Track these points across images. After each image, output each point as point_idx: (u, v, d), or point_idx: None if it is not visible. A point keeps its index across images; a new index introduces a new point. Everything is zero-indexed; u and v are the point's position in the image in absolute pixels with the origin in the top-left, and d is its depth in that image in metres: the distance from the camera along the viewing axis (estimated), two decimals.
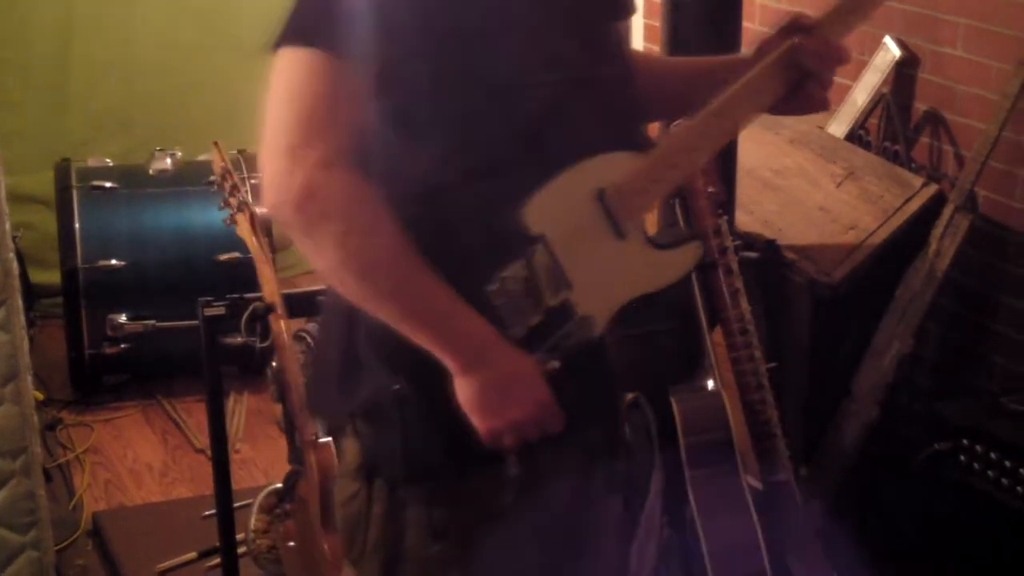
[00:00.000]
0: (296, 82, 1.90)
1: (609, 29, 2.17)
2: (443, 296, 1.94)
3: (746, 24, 4.68)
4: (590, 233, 2.03)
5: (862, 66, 4.18)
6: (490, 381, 1.97)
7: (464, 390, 1.97)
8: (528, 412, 1.99)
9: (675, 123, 2.21)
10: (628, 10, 2.24)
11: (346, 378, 2.09)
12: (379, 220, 1.90)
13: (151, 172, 5.21)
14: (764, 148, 4.16)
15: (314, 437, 3.23)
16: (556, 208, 2.01)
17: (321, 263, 1.94)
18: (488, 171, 1.99)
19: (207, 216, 4.86)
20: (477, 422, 1.98)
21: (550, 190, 2.00)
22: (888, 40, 4.13)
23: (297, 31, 1.91)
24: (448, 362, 1.96)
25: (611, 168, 2.05)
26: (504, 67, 1.98)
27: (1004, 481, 3.11)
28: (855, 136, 4.25)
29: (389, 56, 1.91)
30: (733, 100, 2.11)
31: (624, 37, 2.26)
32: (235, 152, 5.28)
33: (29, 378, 3.45)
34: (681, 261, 2.14)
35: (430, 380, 1.98)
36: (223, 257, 4.99)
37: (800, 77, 2.12)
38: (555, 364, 2.02)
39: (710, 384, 3.27)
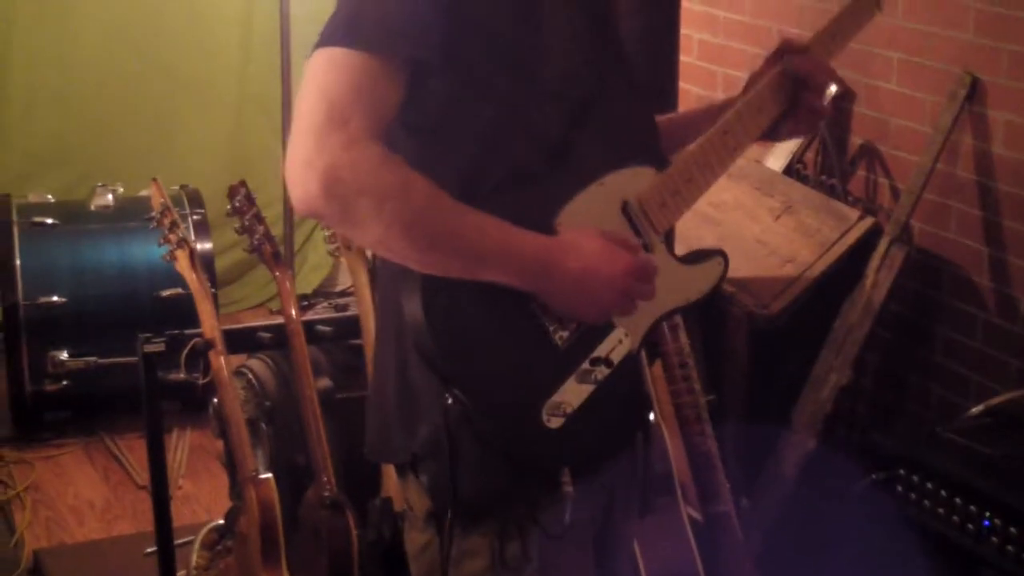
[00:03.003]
0: (324, 78, 1.93)
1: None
2: (490, 225, 1.96)
3: (683, 58, 4.73)
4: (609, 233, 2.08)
5: None
6: (571, 280, 2.00)
7: (556, 301, 2.01)
8: (621, 280, 2.03)
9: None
10: None
11: (405, 417, 2.10)
12: (408, 178, 1.92)
13: (92, 208, 5.20)
14: None
15: (254, 473, 3.23)
16: (586, 219, 2.06)
17: (367, 239, 1.97)
18: (518, 182, 2.04)
19: (149, 252, 4.84)
20: (587, 318, 2.04)
21: (579, 202, 2.06)
22: None
23: (328, 34, 1.96)
24: (522, 284, 1.99)
25: (635, 181, 2.12)
26: (535, 79, 2.04)
27: (940, 511, 3.13)
28: (792, 170, 4.29)
29: (420, 60, 1.96)
30: (736, 118, 2.22)
31: None
32: (177, 188, 5.27)
33: None
34: (707, 276, 2.21)
35: (482, 389, 2.00)
36: (165, 293, 4.98)
37: (795, 95, 2.26)
38: (604, 372, 2.06)
39: (650, 417, 3.29)
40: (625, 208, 2.11)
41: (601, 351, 2.08)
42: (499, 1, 2.02)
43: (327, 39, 1.95)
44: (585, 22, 2.13)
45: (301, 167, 1.89)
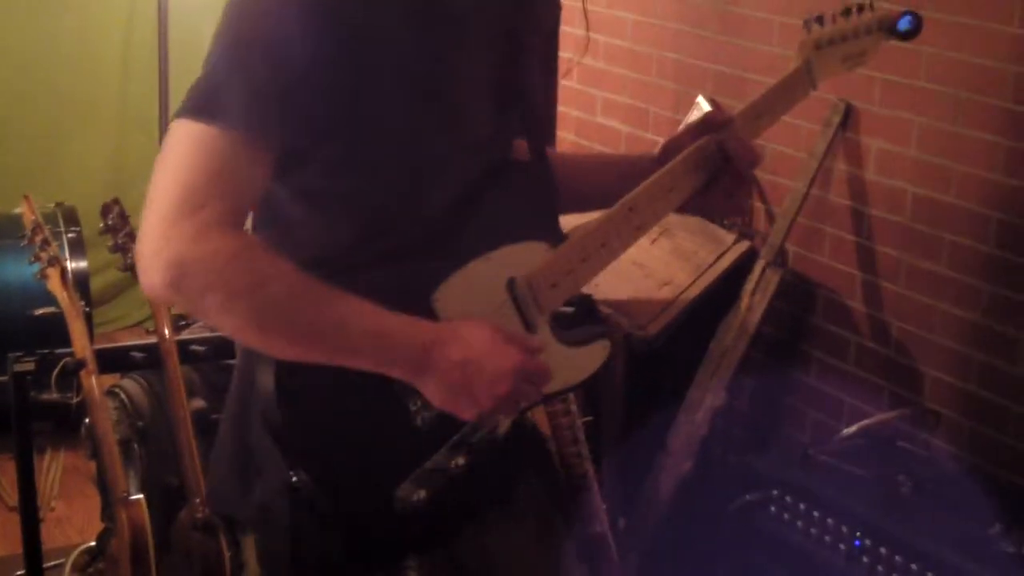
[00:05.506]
0: (181, 157, 1.79)
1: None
2: (362, 313, 1.82)
3: (564, 82, 4.77)
4: (499, 325, 1.91)
5: (676, 124, 4.27)
6: (451, 372, 1.83)
7: (433, 393, 1.85)
8: (508, 379, 1.84)
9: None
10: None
11: (241, 475, 1.98)
12: (262, 272, 1.79)
13: None
14: None
15: (125, 495, 3.19)
16: (466, 296, 1.92)
17: (222, 330, 1.85)
18: (399, 255, 1.92)
19: (21, 270, 4.74)
20: (462, 414, 1.87)
21: (460, 277, 1.93)
22: (700, 99, 4.22)
23: (194, 104, 1.81)
24: (399, 373, 1.85)
25: (523, 257, 1.98)
26: (418, 152, 1.91)
27: (813, 531, 3.17)
28: None
29: (296, 137, 1.83)
30: (646, 195, 2.05)
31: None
32: (53, 205, 5.20)
33: None
34: (589, 360, 2.06)
35: (332, 470, 1.88)
36: (39, 312, 4.88)
37: (713, 174, 2.10)
38: (461, 462, 1.93)
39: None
40: (511, 286, 1.96)
41: (459, 438, 1.93)
42: (396, 76, 1.87)
43: (190, 110, 1.81)
44: (494, 81, 2.00)
45: (148, 255, 1.77)
